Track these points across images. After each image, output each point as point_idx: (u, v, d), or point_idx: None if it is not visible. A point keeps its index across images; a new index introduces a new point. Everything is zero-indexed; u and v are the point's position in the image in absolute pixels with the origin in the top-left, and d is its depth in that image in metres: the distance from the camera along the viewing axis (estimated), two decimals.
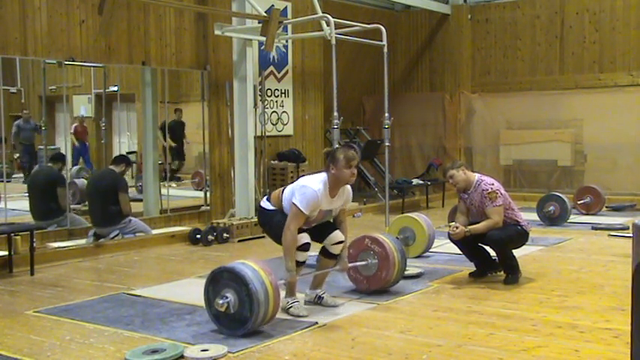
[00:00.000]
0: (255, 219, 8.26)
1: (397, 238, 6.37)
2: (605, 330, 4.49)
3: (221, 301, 4.37)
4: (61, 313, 5.13)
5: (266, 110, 9.95)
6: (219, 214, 9.35)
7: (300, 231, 4.86)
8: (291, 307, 4.93)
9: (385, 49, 7.87)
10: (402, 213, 9.37)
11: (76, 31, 7.94)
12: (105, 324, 4.79)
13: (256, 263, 4.49)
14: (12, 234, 6.72)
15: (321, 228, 5.09)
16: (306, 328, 4.61)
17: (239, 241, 8.47)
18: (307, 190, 4.79)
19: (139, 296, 5.64)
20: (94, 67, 9.08)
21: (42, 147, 9.41)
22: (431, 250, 7.23)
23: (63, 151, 8.99)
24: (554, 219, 9.22)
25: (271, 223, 5.06)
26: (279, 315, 4.66)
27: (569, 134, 12.18)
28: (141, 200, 9.39)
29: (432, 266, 6.64)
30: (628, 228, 8.21)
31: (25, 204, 8.30)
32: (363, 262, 5.50)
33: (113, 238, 7.80)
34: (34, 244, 6.72)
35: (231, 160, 9.43)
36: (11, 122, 9.70)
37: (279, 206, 5.02)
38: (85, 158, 10.61)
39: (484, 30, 13.10)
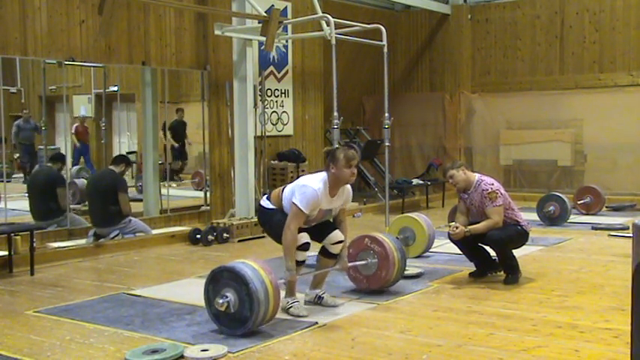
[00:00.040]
0: (255, 219, 8.27)
1: (397, 238, 6.36)
2: (605, 330, 4.49)
3: (221, 301, 4.37)
4: (61, 313, 5.13)
5: (266, 110, 9.95)
6: (219, 214, 9.35)
7: (300, 230, 4.86)
8: (291, 307, 4.93)
9: (385, 49, 7.87)
10: (402, 213, 9.37)
11: (76, 31, 7.94)
12: (105, 324, 4.79)
13: (256, 262, 4.49)
14: (12, 234, 6.72)
15: (320, 227, 5.09)
16: (306, 328, 4.61)
17: (239, 241, 8.47)
18: (307, 189, 4.79)
19: (139, 296, 5.64)
20: (94, 67, 9.07)
21: (42, 147, 9.41)
22: (431, 250, 7.24)
23: (63, 151, 8.99)
24: (554, 219, 9.22)
25: (271, 223, 5.06)
26: (279, 315, 4.66)
27: (569, 134, 12.18)
28: (141, 200, 9.39)
29: (432, 266, 6.64)
30: (628, 228, 8.21)
31: (25, 204, 8.30)
32: (363, 262, 5.50)
33: (113, 238, 7.80)
34: (34, 244, 6.72)
35: (231, 160, 9.42)
36: (11, 122, 9.70)
37: (279, 205, 5.02)
38: (86, 158, 10.61)
39: (484, 30, 13.10)
